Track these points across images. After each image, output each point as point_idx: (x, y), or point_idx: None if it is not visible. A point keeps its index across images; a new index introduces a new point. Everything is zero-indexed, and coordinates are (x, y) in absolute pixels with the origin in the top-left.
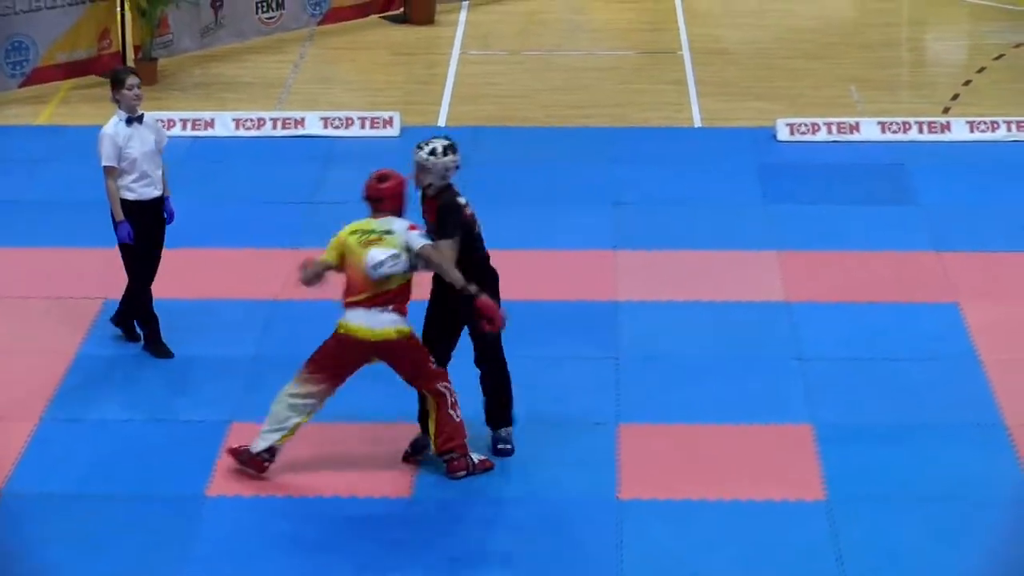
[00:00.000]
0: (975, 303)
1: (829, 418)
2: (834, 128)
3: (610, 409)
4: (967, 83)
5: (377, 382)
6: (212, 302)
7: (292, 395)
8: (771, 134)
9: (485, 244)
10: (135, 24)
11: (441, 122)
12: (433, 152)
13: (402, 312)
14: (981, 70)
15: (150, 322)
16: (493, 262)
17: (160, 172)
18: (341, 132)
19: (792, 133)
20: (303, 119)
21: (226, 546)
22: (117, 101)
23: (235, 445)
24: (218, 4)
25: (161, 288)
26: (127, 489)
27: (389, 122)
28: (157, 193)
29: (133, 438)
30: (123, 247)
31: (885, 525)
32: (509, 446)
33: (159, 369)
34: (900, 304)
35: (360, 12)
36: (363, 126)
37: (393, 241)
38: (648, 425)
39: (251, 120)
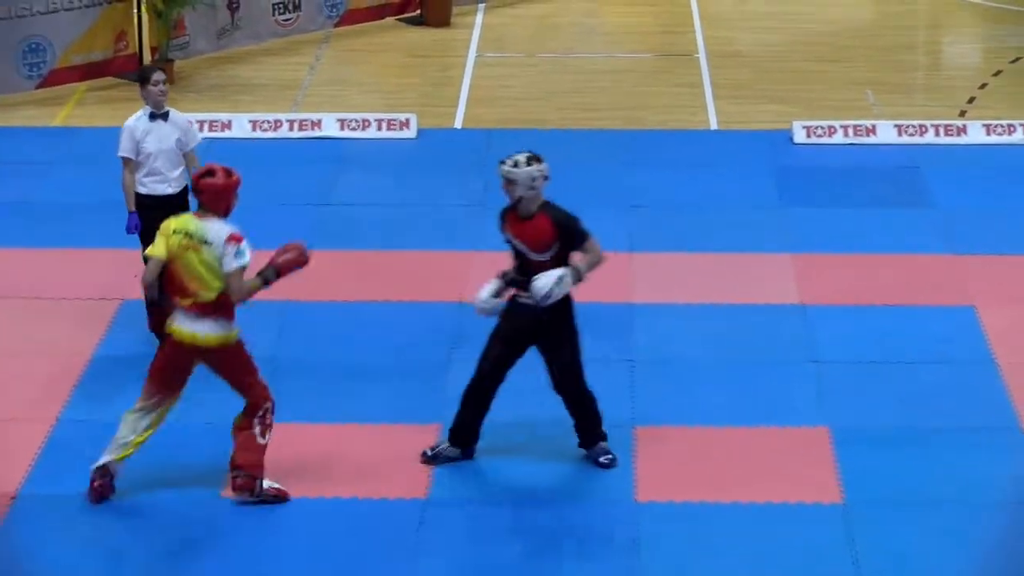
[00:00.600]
0: (991, 306)
1: (845, 421)
2: (850, 131)
3: (626, 412)
4: (983, 86)
5: (390, 383)
6: None
7: (132, 411)
8: (787, 137)
9: None
10: (151, 26)
11: (457, 124)
12: (516, 164)
13: (228, 317)
14: (997, 73)
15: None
16: (507, 265)
17: (179, 171)
18: (357, 134)
19: (808, 136)
20: (319, 121)
21: (241, 547)
22: (145, 97)
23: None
24: (234, 6)
25: None
26: (143, 490)
27: (405, 124)
28: (170, 191)
29: (150, 440)
30: (139, 238)
31: (901, 528)
32: (610, 455)
33: None
34: (916, 307)
35: (376, 14)
36: (379, 128)
37: (211, 254)
38: (664, 428)
39: (267, 122)
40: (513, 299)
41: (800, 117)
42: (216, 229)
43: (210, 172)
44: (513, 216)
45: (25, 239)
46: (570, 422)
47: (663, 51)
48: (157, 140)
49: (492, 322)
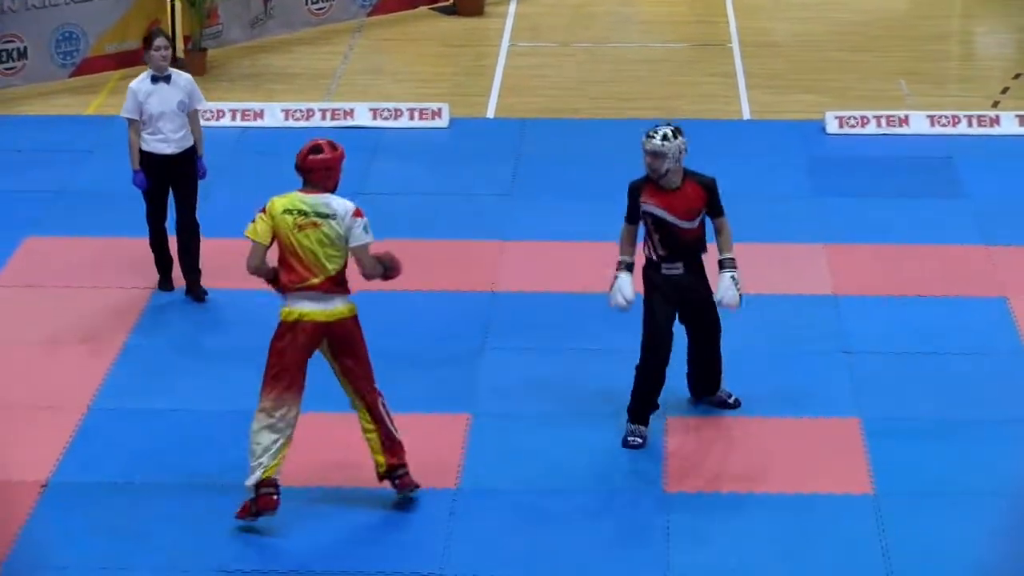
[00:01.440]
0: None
1: (876, 412)
2: (883, 121)
3: (660, 401)
4: (1017, 76)
5: (422, 372)
6: (258, 293)
7: (267, 417)
8: (820, 127)
9: None
10: (184, 15)
11: (490, 114)
12: (665, 137)
13: (348, 290)
14: None
15: (170, 267)
16: (536, 253)
17: (182, 132)
18: (390, 123)
19: (841, 126)
20: (352, 110)
21: (270, 534)
22: (147, 61)
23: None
24: None
25: (209, 279)
26: (173, 479)
27: (438, 113)
28: (171, 151)
29: (180, 428)
30: (144, 195)
31: (932, 520)
32: (731, 398)
33: (206, 359)
34: (948, 298)
35: (409, 3)
36: (412, 117)
37: (335, 228)
38: (695, 418)
39: (300, 111)
40: (657, 271)
41: (833, 107)
42: (338, 202)
43: (316, 148)
44: (652, 188)
45: (60, 227)
46: (598, 411)
47: (697, 40)
48: (159, 102)
49: (519, 311)
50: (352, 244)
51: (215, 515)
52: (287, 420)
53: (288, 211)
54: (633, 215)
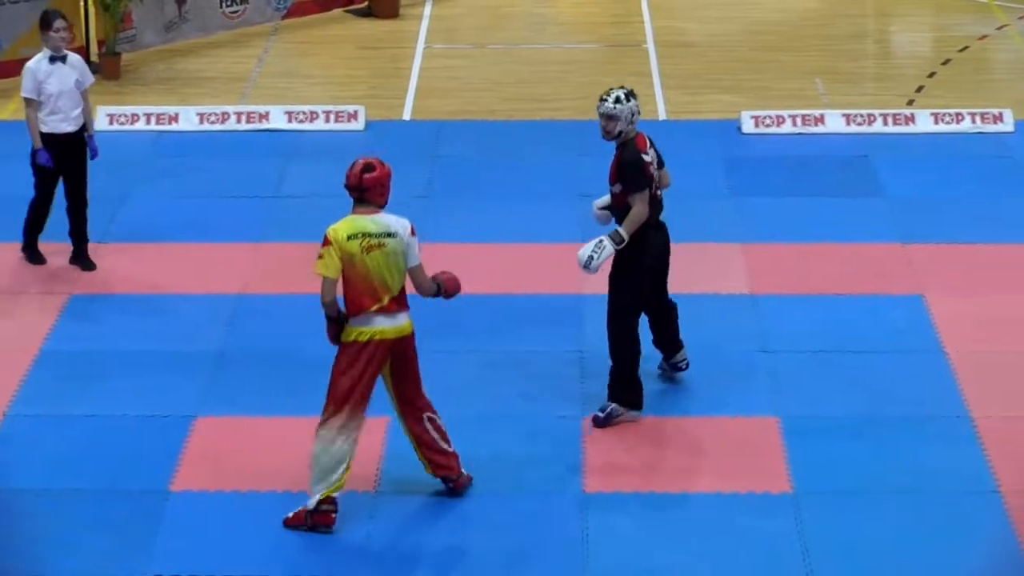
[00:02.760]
0: (940, 295)
1: (795, 410)
2: (799, 120)
3: (575, 402)
4: (932, 75)
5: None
6: (176, 297)
7: (337, 435)
8: (736, 126)
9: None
10: (98, 19)
11: (406, 116)
12: (618, 100)
13: (408, 307)
14: (946, 62)
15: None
16: (455, 255)
17: (79, 110)
18: (305, 126)
19: (757, 125)
20: (267, 113)
21: (191, 541)
22: (46, 41)
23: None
24: None
25: (127, 284)
26: (92, 485)
27: (354, 116)
28: (71, 128)
29: (98, 433)
30: (38, 170)
31: (851, 518)
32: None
33: (124, 364)
34: (865, 296)
35: (324, 6)
36: (327, 120)
37: (397, 248)
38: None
39: (215, 114)
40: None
41: (749, 107)
42: (395, 220)
43: (369, 167)
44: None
45: None
46: (517, 412)
47: (613, 41)
48: (59, 81)
49: (438, 313)
50: (410, 264)
51: (134, 521)
52: (355, 437)
53: (352, 236)
54: None
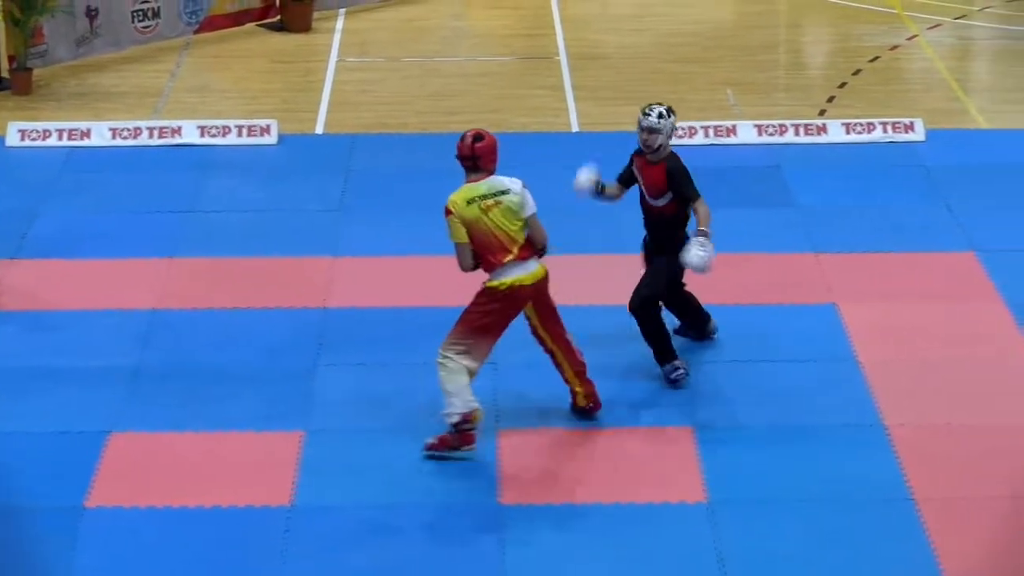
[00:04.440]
0: (853, 304)
1: (709, 420)
2: (711, 131)
3: (489, 414)
4: (843, 85)
5: (255, 390)
6: (90, 313)
7: (460, 361)
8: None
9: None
10: (9, 34)
11: (319, 129)
12: (661, 115)
13: (541, 255)
14: (857, 72)
15: None
16: (367, 268)
17: None
18: (218, 140)
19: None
20: (180, 128)
21: (106, 557)
22: None
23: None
24: (93, 13)
25: (40, 300)
26: (4, 501)
27: (267, 130)
28: None
29: (10, 450)
30: None
31: (766, 526)
32: (678, 373)
33: (37, 381)
34: (779, 305)
35: (237, 20)
36: (240, 134)
37: (513, 202)
38: (528, 430)
39: (128, 130)
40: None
41: None
42: (507, 180)
43: (478, 136)
44: (641, 160)
45: None
46: (431, 425)
47: (525, 54)
48: None
49: (351, 326)
50: (527, 213)
51: (48, 538)
52: (476, 368)
53: (470, 201)
54: (624, 177)
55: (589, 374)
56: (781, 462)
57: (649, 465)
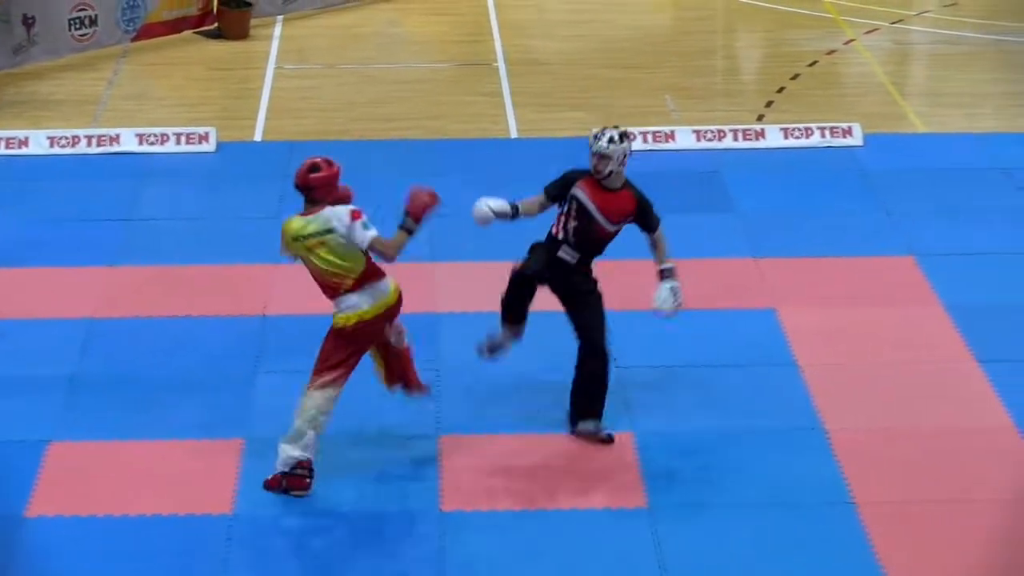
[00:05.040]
0: (793, 309)
1: (649, 426)
2: (650, 137)
3: (431, 421)
4: (781, 90)
5: (195, 398)
6: (28, 322)
7: (322, 399)
8: (587, 144)
9: None
10: None
11: (257, 137)
12: (611, 140)
13: (383, 274)
14: (795, 77)
15: None
16: (306, 275)
17: None
18: (157, 148)
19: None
20: (118, 136)
21: (46, 567)
22: None
23: (270, 480)
24: (30, 21)
25: None
26: None
27: (205, 137)
28: None
29: None
30: None
31: (707, 531)
32: (603, 434)
33: None
34: (719, 311)
35: (174, 28)
36: (179, 142)
37: (338, 241)
38: (469, 436)
39: (66, 138)
40: (554, 248)
41: (599, 124)
42: (333, 213)
43: (315, 167)
44: (592, 184)
45: None
46: (372, 431)
47: (463, 60)
48: None
49: (291, 334)
50: (363, 247)
51: None
52: (330, 408)
53: (296, 239)
54: (554, 192)
55: (529, 380)
56: (721, 467)
57: (590, 471)
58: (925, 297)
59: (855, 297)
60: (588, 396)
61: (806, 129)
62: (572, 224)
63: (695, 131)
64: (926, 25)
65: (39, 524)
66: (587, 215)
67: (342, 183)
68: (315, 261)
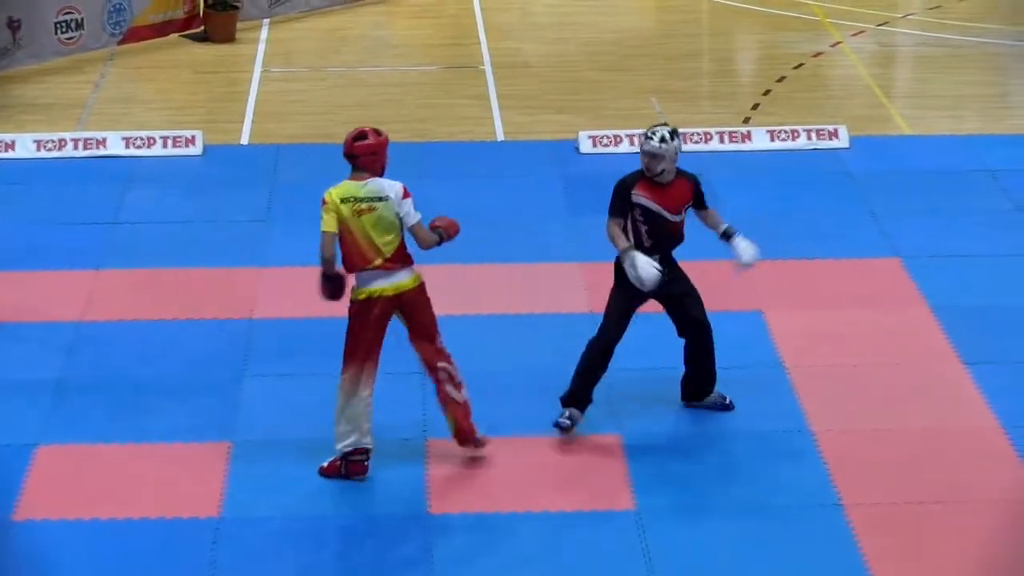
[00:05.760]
0: (779, 310)
1: (637, 428)
2: (636, 140)
3: (418, 423)
4: (767, 93)
5: (182, 401)
6: (15, 325)
7: (351, 386)
8: (574, 146)
9: None
10: None
11: (244, 140)
12: (663, 139)
13: (411, 261)
14: (781, 79)
15: None
16: (293, 278)
17: None
18: (143, 152)
19: (594, 145)
20: (104, 139)
21: (34, 571)
22: None
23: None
24: (15, 25)
25: None
26: None
27: (191, 141)
28: None
29: None
30: None
31: (695, 534)
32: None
33: None
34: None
35: (160, 31)
36: (165, 145)
37: (388, 210)
38: (453, 439)
39: (52, 141)
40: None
41: (586, 127)
42: (389, 185)
43: (361, 135)
44: (646, 183)
45: None
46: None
47: (449, 63)
48: None
49: (278, 337)
50: (408, 224)
51: None
52: (365, 395)
53: (344, 200)
54: (621, 210)
55: (517, 383)
56: (709, 469)
57: (578, 473)
58: (911, 298)
59: (841, 299)
60: (708, 374)
61: (792, 131)
62: (645, 228)
63: (681, 133)
64: (911, 27)
65: (27, 528)
66: (654, 215)
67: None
68: (357, 226)
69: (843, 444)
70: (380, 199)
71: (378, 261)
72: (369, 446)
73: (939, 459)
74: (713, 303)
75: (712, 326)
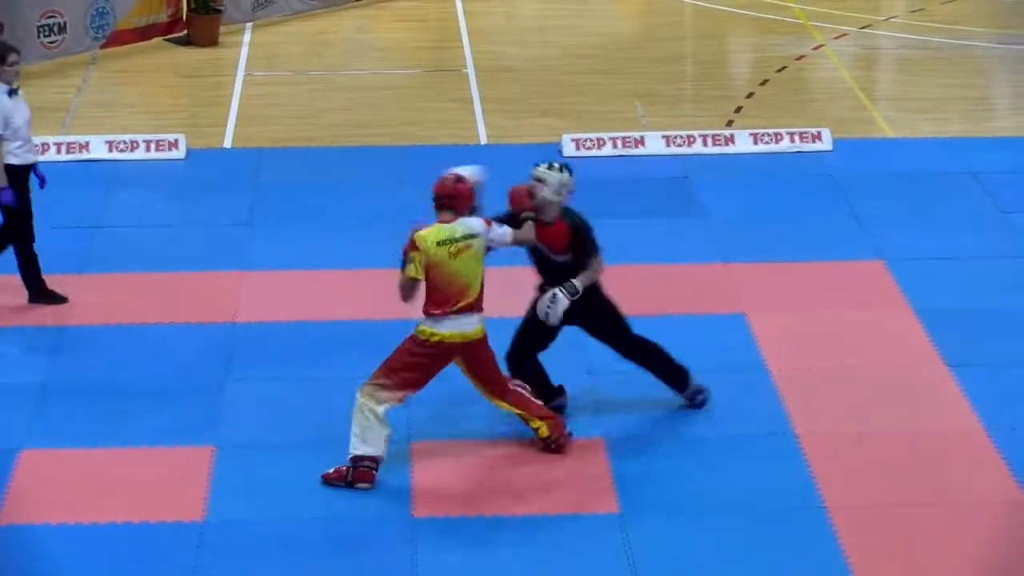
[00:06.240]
0: (762, 313)
1: (621, 431)
2: (619, 143)
3: (402, 426)
4: (751, 96)
5: (165, 405)
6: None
7: (378, 403)
8: (557, 150)
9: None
10: None
11: (227, 144)
12: (550, 166)
13: (483, 309)
14: (764, 82)
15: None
16: (276, 282)
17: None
18: (126, 156)
19: (578, 148)
20: (88, 143)
21: (16, 575)
22: (0, 74)
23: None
24: None
25: None
26: None
27: (175, 144)
28: (37, 158)
29: None
30: (8, 211)
31: (679, 537)
32: (701, 396)
33: None
34: (688, 316)
35: (143, 35)
36: (148, 149)
37: (481, 246)
38: (441, 442)
39: (35, 145)
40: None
41: (569, 130)
42: (474, 221)
43: (459, 179)
44: (537, 220)
45: None
46: (342, 438)
47: (432, 66)
48: (21, 113)
49: (261, 341)
50: (507, 242)
51: None
52: (387, 410)
53: (442, 243)
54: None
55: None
56: (693, 472)
57: (561, 476)
58: (895, 301)
59: (825, 301)
60: (667, 377)
61: (775, 134)
62: (534, 260)
63: (664, 136)
64: (894, 30)
65: (10, 532)
66: (537, 249)
67: None
68: (450, 268)
69: (827, 446)
70: (473, 236)
71: (462, 301)
72: (382, 455)
73: (922, 461)
74: (696, 306)
75: (640, 345)
